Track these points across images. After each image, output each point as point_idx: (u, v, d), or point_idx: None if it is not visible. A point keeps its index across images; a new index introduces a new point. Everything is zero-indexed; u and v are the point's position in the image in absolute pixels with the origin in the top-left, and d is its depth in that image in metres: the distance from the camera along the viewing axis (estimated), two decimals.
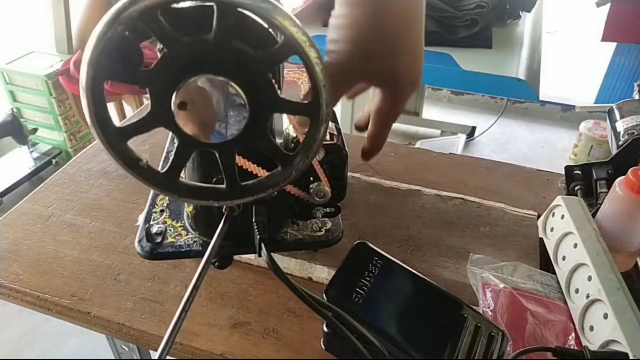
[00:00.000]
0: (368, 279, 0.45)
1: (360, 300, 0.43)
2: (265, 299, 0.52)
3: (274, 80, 0.30)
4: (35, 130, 1.97)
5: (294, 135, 0.44)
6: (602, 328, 0.45)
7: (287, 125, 0.46)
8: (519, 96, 1.28)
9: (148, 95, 0.29)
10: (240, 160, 0.38)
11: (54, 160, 2.04)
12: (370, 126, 0.43)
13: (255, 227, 0.40)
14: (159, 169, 0.32)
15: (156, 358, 0.27)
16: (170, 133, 0.31)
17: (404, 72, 0.39)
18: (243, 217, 0.41)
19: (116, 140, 0.30)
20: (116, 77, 0.28)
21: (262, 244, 0.39)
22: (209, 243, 0.47)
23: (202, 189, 0.33)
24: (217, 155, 0.32)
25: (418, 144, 2.09)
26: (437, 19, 1.29)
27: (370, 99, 0.44)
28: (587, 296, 0.48)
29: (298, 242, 0.48)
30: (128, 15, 0.25)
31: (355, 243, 0.48)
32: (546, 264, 0.57)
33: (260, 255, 0.39)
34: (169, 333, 0.29)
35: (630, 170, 0.53)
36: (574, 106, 2.24)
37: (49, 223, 0.61)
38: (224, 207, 0.39)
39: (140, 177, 0.32)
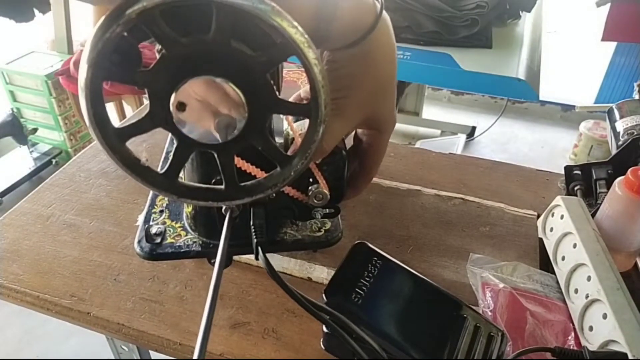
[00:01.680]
0: (367, 279, 0.45)
1: (360, 300, 0.43)
2: (264, 299, 0.52)
3: (272, 81, 0.30)
4: (35, 130, 1.98)
5: (294, 136, 0.44)
6: (601, 328, 0.45)
7: (286, 125, 0.46)
8: (519, 96, 1.28)
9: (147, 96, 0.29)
10: (239, 162, 0.38)
11: (54, 160, 2.04)
12: (365, 163, 0.46)
13: (253, 230, 0.40)
14: (158, 169, 0.32)
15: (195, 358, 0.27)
16: (170, 134, 0.31)
17: (390, 115, 0.43)
18: (243, 217, 0.41)
19: (115, 141, 0.30)
20: (115, 77, 0.28)
21: (260, 248, 0.39)
22: (209, 243, 0.47)
23: (201, 189, 0.33)
24: (215, 156, 0.32)
25: (418, 144, 2.10)
26: (437, 19, 1.29)
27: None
28: (587, 296, 0.48)
29: (297, 242, 0.48)
30: (127, 16, 0.25)
31: (355, 243, 0.48)
32: (546, 264, 0.57)
33: (257, 259, 0.39)
34: (201, 340, 0.29)
35: (629, 170, 0.53)
36: (574, 106, 2.24)
37: (48, 223, 0.61)
38: (223, 207, 0.39)
39: (139, 178, 0.31)
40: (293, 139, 0.44)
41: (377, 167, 0.46)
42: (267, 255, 0.39)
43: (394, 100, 0.43)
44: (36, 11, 0.29)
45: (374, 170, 0.46)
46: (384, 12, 0.38)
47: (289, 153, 0.33)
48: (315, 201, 0.44)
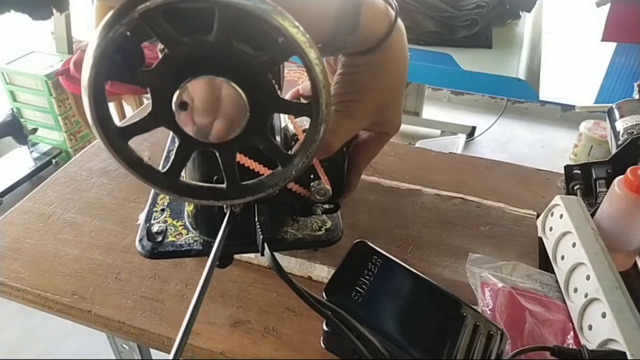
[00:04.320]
0: (368, 277, 0.45)
1: (360, 298, 0.43)
2: (265, 297, 0.52)
3: (274, 81, 0.30)
4: (35, 130, 1.98)
5: (294, 132, 0.44)
6: (600, 327, 0.45)
7: (285, 122, 0.46)
8: (519, 96, 1.29)
9: (149, 95, 0.30)
10: (241, 159, 0.38)
11: (54, 160, 2.04)
12: (355, 161, 0.46)
13: (258, 226, 0.40)
14: (160, 168, 0.32)
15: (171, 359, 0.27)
16: (171, 133, 0.31)
17: (398, 119, 0.44)
18: (244, 216, 0.41)
19: (117, 140, 0.30)
20: (118, 77, 0.28)
21: (265, 244, 0.39)
22: (210, 242, 0.47)
23: (203, 188, 0.34)
24: (217, 155, 0.32)
25: (418, 144, 2.10)
26: (437, 19, 1.29)
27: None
28: (586, 295, 0.48)
29: (298, 241, 0.48)
30: (130, 16, 0.26)
31: (355, 242, 0.48)
32: (545, 263, 0.57)
33: (263, 255, 0.39)
34: (180, 338, 0.29)
35: (629, 169, 0.53)
36: (574, 106, 2.24)
37: (50, 222, 0.62)
38: (225, 206, 0.39)
39: (141, 177, 0.32)
40: (293, 135, 0.44)
41: (367, 164, 0.47)
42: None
43: (401, 105, 0.44)
44: (54, 10, 0.30)
45: (363, 167, 0.47)
46: (398, 20, 0.39)
47: (292, 151, 0.33)
48: (318, 197, 0.44)
